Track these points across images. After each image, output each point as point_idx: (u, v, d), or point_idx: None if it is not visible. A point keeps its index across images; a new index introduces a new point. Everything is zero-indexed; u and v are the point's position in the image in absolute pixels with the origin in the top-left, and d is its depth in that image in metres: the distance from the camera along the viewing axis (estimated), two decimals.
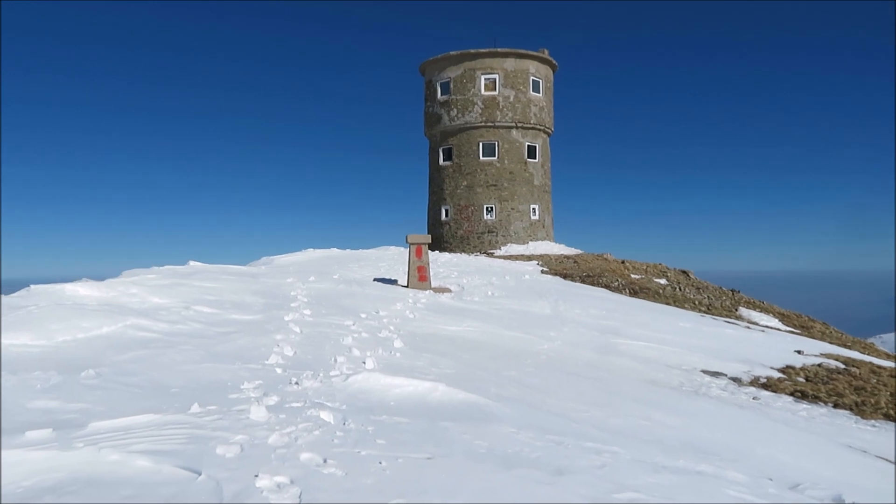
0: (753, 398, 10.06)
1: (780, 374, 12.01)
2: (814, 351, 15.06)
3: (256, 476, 2.82)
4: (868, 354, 18.69)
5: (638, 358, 11.17)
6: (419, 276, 15.22)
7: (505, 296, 15.21)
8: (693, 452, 5.50)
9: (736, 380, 11.04)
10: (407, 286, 15.27)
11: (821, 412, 9.95)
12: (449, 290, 15.32)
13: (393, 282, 16.16)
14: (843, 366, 13.69)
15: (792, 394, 10.83)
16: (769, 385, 11.14)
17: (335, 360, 6.95)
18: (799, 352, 14.51)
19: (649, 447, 5.44)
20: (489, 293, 15.39)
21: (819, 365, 13.26)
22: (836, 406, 10.45)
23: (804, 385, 11.52)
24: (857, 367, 13.74)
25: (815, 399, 10.72)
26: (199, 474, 2.79)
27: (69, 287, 8.58)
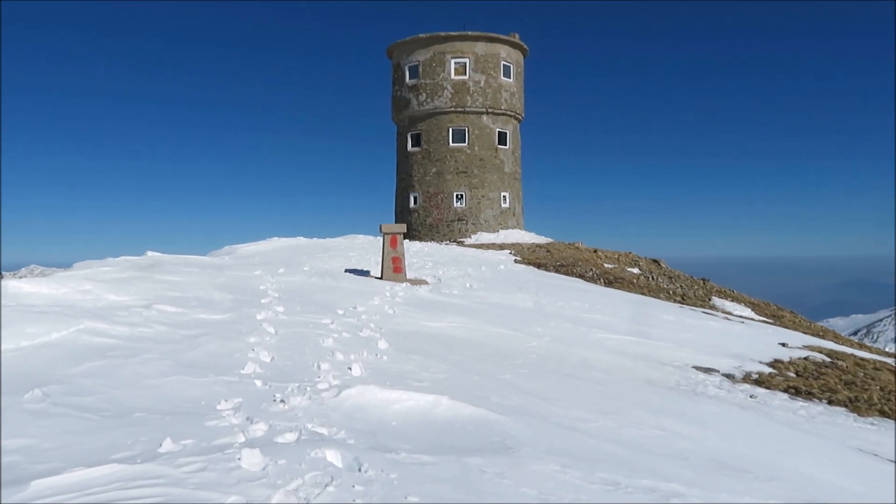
0: (750, 396, 9.67)
1: (770, 370, 11.67)
2: (796, 343, 14.82)
3: None
4: (842, 344, 18.65)
5: (628, 354, 10.69)
6: (394, 268, 14.50)
7: (484, 288, 14.60)
8: (727, 472, 4.97)
9: (729, 376, 10.65)
10: (381, 278, 14.54)
11: (818, 410, 9.62)
12: (426, 283, 14.64)
13: (366, 273, 15.41)
14: (828, 359, 13.45)
15: (786, 390, 10.50)
16: (762, 381, 10.78)
17: (318, 367, 6.25)
18: (783, 344, 14.24)
19: (678, 466, 4.89)
20: (467, 285, 14.77)
21: (806, 358, 12.99)
22: (830, 403, 10.15)
23: (796, 380, 11.20)
24: (843, 360, 13.53)
25: (808, 395, 10.40)
26: None
27: (13, 284, 7.66)
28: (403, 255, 14.76)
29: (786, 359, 12.76)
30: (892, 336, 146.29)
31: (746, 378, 10.85)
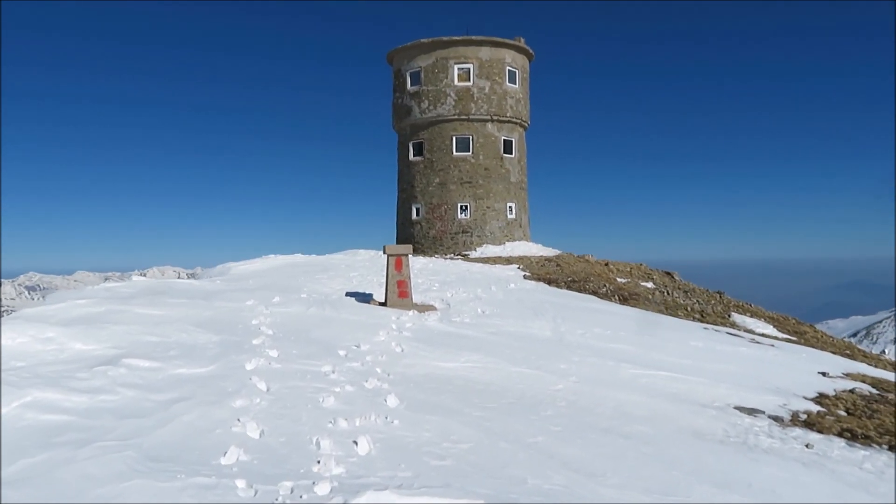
0: (806, 445, 8.54)
1: (818, 407, 10.55)
2: (835, 371, 13.70)
3: None
4: (876, 365, 17.53)
5: (665, 395, 9.58)
6: (399, 292, 13.36)
7: (497, 314, 13.45)
8: None
9: (777, 419, 9.53)
10: (385, 304, 13.39)
11: (883, 461, 8.47)
12: (434, 308, 13.49)
13: (368, 297, 14.27)
14: (874, 390, 12.35)
15: (840, 434, 9.38)
16: (812, 423, 9.66)
17: (318, 446, 5.13)
18: (823, 373, 13.12)
19: None
20: (479, 310, 13.62)
21: (853, 391, 11.87)
22: (891, 448, 9.03)
23: (848, 420, 10.08)
24: (889, 391, 12.42)
25: (866, 440, 9.27)
26: None
27: None
28: (410, 277, 13.62)
29: (830, 392, 11.65)
30: (892, 337, 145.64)
31: (795, 419, 9.74)
